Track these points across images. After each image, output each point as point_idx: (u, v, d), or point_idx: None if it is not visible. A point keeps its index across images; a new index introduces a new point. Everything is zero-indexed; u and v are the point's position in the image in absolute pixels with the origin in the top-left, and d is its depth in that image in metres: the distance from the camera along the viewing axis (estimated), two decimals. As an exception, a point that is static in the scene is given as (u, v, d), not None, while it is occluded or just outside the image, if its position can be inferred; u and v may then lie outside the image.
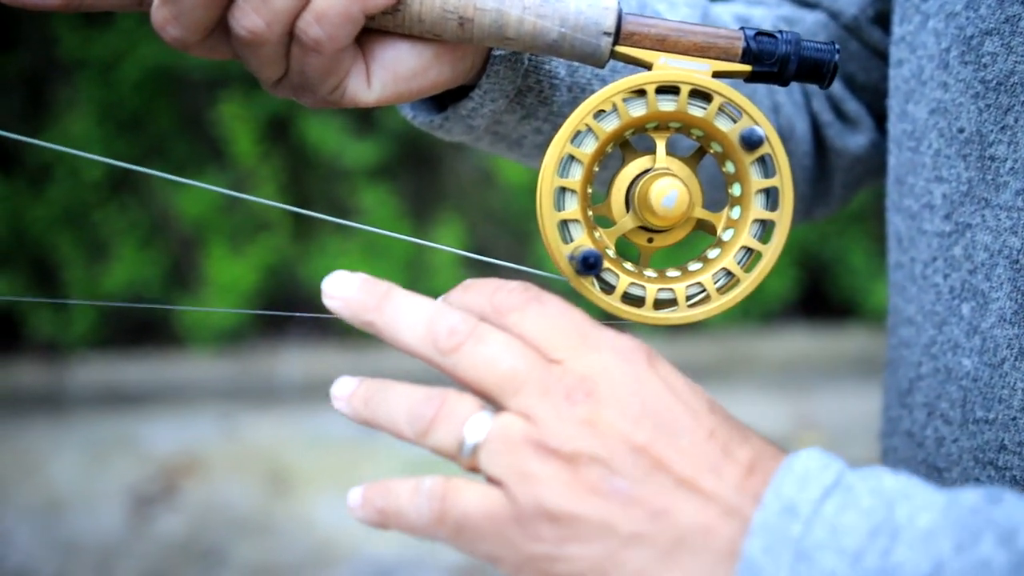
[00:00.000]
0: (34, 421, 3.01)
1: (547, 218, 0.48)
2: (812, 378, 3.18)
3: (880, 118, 0.75)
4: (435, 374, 0.43)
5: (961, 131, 0.56)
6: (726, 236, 0.49)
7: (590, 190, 0.50)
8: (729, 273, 0.49)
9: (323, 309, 0.47)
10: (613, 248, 0.51)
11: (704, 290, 0.49)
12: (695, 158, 0.50)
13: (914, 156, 0.61)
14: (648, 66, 0.49)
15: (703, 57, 0.49)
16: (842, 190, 0.80)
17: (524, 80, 0.57)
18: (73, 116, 3.12)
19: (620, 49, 0.50)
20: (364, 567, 2.43)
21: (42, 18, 3.10)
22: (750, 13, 0.74)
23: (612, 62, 0.58)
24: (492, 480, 0.41)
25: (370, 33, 0.51)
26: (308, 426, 3.00)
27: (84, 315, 3.19)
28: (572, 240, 0.48)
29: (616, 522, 0.39)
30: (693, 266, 0.50)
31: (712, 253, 0.50)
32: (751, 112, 0.47)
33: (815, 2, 0.75)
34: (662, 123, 0.49)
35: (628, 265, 0.50)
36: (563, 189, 0.48)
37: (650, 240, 0.50)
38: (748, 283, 0.49)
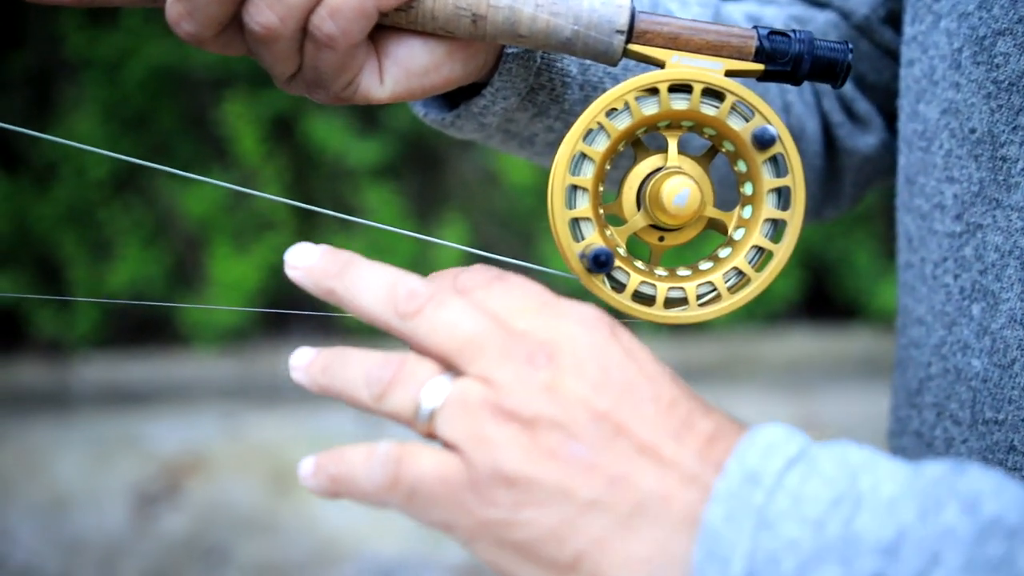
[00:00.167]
0: (38, 420, 3.02)
1: (558, 216, 0.48)
2: (816, 379, 3.17)
3: (891, 118, 0.75)
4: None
5: (973, 131, 0.55)
6: (737, 235, 0.49)
7: (602, 188, 0.50)
8: (740, 272, 0.49)
9: (326, 308, 0.47)
10: (624, 246, 0.51)
11: (715, 289, 0.49)
12: (707, 157, 0.50)
13: (925, 156, 0.61)
14: (661, 64, 0.49)
15: (716, 56, 0.49)
16: (852, 190, 0.80)
17: (536, 78, 0.57)
18: (78, 115, 3.12)
19: (633, 47, 0.50)
20: (367, 566, 2.43)
21: (48, 17, 3.10)
22: (761, 12, 0.74)
23: (624, 61, 0.58)
24: (448, 445, 0.40)
25: (383, 30, 0.51)
26: (312, 425, 2.99)
27: (88, 314, 3.19)
28: (583, 238, 0.48)
29: (574, 487, 0.38)
30: (704, 265, 0.50)
31: (723, 252, 0.50)
32: (763, 111, 0.47)
33: (826, 1, 0.75)
34: (674, 122, 0.49)
35: (639, 264, 0.50)
36: (575, 187, 0.48)
37: (661, 239, 0.50)
38: (759, 282, 0.49)
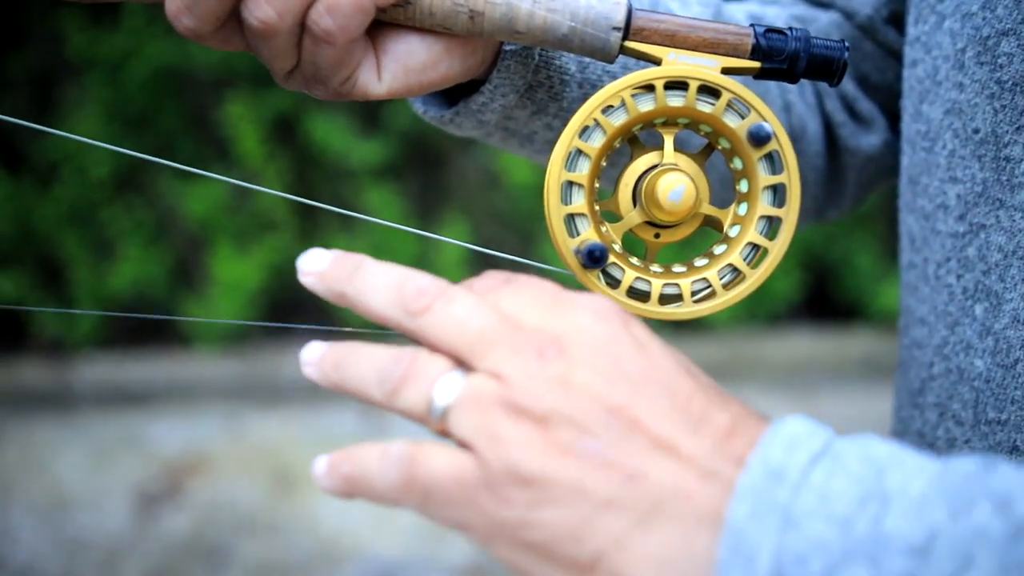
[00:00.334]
0: (40, 420, 3.02)
1: (554, 212, 0.48)
2: (818, 380, 3.17)
3: (893, 118, 0.75)
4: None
5: (976, 132, 0.55)
6: (733, 232, 0.50)
7: (598, 185, 0.50)
8: (735, 269, 0.49)
9: (326, 308, 0.46)
10: (620, 243, 0.51)
11: (710, 286, 0.49)
12: (703, 154, 0.50)
13: (928, 156, 0.61)
14: (657, 62, 0.49)
15: (713, 53, 0.49)
16: (855, 190, 0.80)
17: (535, 75, 0.57)
18: (81, 115, 3.13)
19: (630, 44, 0.50)
20: (368, 566, 2.43)
21: (50, 17, 3.11)
22: (764, 12, 0.74)
23: (624, 60, 0.58)
24: (462, 443, 0.40)
25: (381, 26, 0.51)
26: (314, 426, 3.00)
27: (89, 314, 3.19)
28: (578, 234, 0.49)
29: (589, 485, 0.38)
30: (699, 262, 0.50)
31: (718, 249, 0.50)
32: (759, 108, 0.47)
33: (829, 2, 0.75)
34: (670, 119, 0.49)
35: (634, 260, 0.50)
36: (570, 183, 0.48)
37: (657, 236, 0.50)
38: (754, 279, 0.49)
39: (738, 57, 0.49)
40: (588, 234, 0.48)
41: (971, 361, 0.56)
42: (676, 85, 0.48)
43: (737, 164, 0.49)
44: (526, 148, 0.65)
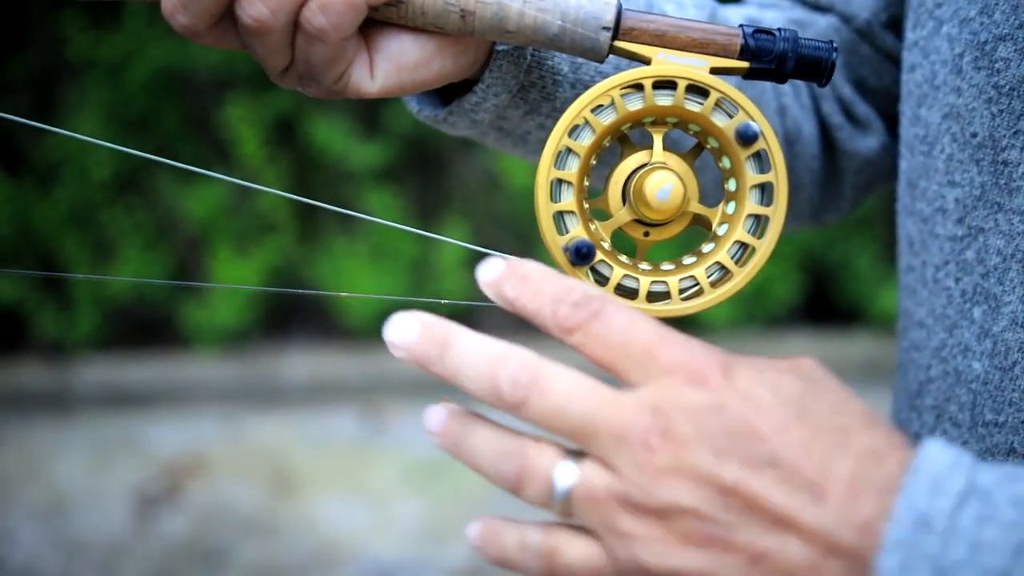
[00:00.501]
0: (39, 421, 3.02)
1: (543, 209, 0.48)
2: (817, 383, 3.17)
3: (891, 121, 0.75)
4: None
5: (974, 136, 0.56)
6: (721, 231, 0.50)
7: (587, 182, 0.50)
8: (723, 267, 0.49)
9: (327, 310, 0.46)
10: (609, 241, 0.51)
11: (697, 283, 0.49)
12: (693, 153, 0.51)
13: (927, 160, 0.61)
14: (647, 61, 0.50)
15: (702, 53, 0.49)
16: (852, 193, 0.80)
17: (527, 75, 0.58)
18: (81, 117, 3.13)
19: (619, 44, 0.50)
20: (367, 568, 2.43)
21: (51, 19, 3.12)
22: (761, 16, 0.74)
23: (616, 60, 0.58)
24: (588, 530, 0.40)
25: (374, 24, 0.52)
26: (312, 427, 3.00)
27: (89, 316, 3.19)
28: (567, 231, 0.49)
29: (716, 572, 0.38)
30: (687, 260, 0.50)
31: (707, 247, 0.50)
32: (747, 108, 0.48)
33: (827, 6, 0.75)
34: (659, 118, 0.49)
35: (623, 258, 0.50)
36: (559, 181, 0.49)
37: (646, 234, 0.51)
38: (741, 277, 0.49)
39: (727, 57, 0.49)
40: (577, 231, 0.49)
41: (969, 364, 0.56)
42: (665, 84, 0.49)
43: (725, 163, 0.49)
44: (520, 148, 0.65)
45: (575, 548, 0.40)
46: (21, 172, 3.18)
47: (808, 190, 0.77)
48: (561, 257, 0.48)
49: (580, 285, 0.41)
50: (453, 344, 0.42)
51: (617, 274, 0.49)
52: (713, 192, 0.57)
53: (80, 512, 2.63)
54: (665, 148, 0.49)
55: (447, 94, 0.61)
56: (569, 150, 0.48)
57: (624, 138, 0.51)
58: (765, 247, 0.49)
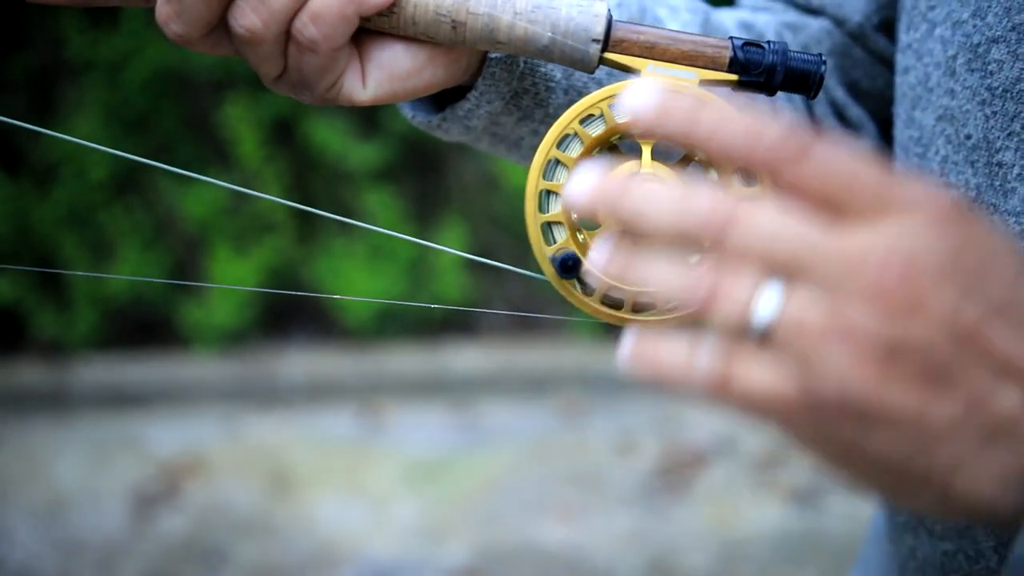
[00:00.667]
0: (37, 421, 3.02)
1: (531, 219, 0.49)
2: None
3: (883, 124, 0.75)
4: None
5: (968, 137, 0.56)
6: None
7: None
8: None
9: (325, 310, 0.46)
10: None
11: None
12: (682, 164, 0.51)
13: (921, 162, 0.61)
14: (637, 73, 0.50)
15: (691, 65, 0.49)
16: None
17: (520, 82, 0.58)
18: (80, 117, 3.14)
19: (609, 56, 0.51)
20: (366, 568, 2.43)
21: (50, 19, 3.12)
22: (754, 19, 0.74)
23: (610, 68, 0.58)
24: (785, 362, 0.36)
25: (366, 34, 0.52)
26: (311, 427, 3.00)
27: (87, 315, 3.20)
28: (555, 241, 0.49)
29: (928, 415, 0.35)
30: None
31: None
32: None
33: (820, 9, 0.75)
34: (647, 129, 0.49)
35: None
36: (548, 192, 0.49)
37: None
38: None
39: (716, 69, 0.50)
40: (564, 242, 0.49)
41: None
42: None
43: (713, 176, 0.49)
44: (513, 153, 0.65)
45: (759, 373, 0.36)
46: (20, 172, 3.18)
47: None
48: (548, 267, 0.49)
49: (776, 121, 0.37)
50: (632, 190, 0.37)
51: (604, 284, 0.49)
52: None
53: (78, 512, 2.63)
54: (654, 158, 0.50)
55: (441, 100, 0.61)
56: (558, 161, 0.49)
57: (613, 147, 0.51)
58: None
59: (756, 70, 0.50)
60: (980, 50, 0.55)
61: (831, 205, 0.36)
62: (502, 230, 3.34)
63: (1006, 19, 0.53)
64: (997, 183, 0.54)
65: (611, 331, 0.44)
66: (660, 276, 0.37)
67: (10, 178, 3.16)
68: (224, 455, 2.86)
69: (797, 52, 0.50)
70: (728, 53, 0.50)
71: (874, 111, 0.76)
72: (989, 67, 0.54)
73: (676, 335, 0.37)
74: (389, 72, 0.53)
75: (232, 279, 3.15)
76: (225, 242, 3.21)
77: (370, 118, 3.22)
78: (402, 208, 3.28)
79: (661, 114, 0.37)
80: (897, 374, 0.35)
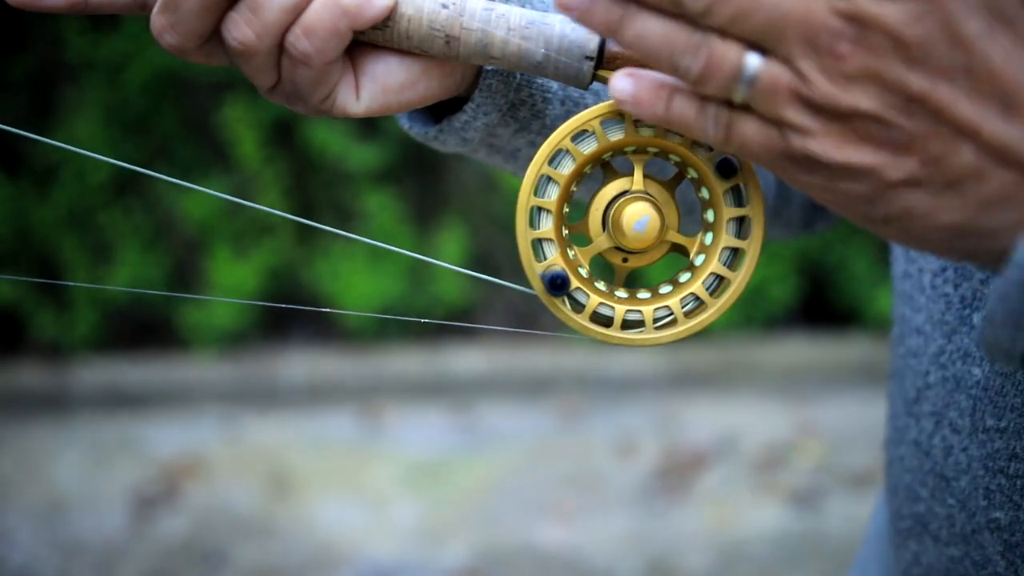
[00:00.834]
0: (37, 422, 3.03)
1: (521, 236, 0.49)
2: (814, 385, 3.18)
3: None
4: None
5: None
6: (698, 261, 0.50)
7: (567, 209, 0.51)
8: (697, 298, 0.49)
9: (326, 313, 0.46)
10: (587, 267, 0.51)
11: (671, 313, 0.50)
12: (674, 182, 0.51)
13: None
14: None
15: None
16: None
17: (517, 94, 0.58)
18: (79, 118, 3.14)
19: (603, 73, 0.51)
20: (365, 569, 2.43)
21: (50, 21, 3.12)
22: None
23: None
24: (767, 120, 0.41)
25: (360, 46, 0.52)
26: (310, 429, 3.00)
27: (87, 317, 3.20)
28: (545, 258, 0.49)
29: (886, 170, 0.39)
30: (664, 289, 0.51)
31: (683, 277, 0.50)
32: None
33: None
34: (640, 147, 0.49)
35: (600, 284, 0.51)
36: (539, 208, 0.49)
37: (625, 260, 0.51)
38: (714, 309, 0.49)
39: None
40: (554, 259, 0.49)
41: (969, 369, 0.56)
42: None
43: (704, 194, 0.49)
44: (510, 164, 0.65)
45: (753, 126, 0.41)
46: (19, 174, 3.18)
47: (798, 201, 0.78)
48: (538, 284, 0.49)
49: None
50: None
51: (593, 302, 0.49)
52: (685, 218, 0.56)
53: (78, 513, 2.63)
54: (647, 175, 0.50)
55: (438, 110, 0.61)
56: (549, 178, 0.49)
57: (607, 164, 0.51)
58: (739, 280, 0.49)
59: None
60: None
61: None
62: (501, 232, 3.34)
63: None
64: None
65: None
66: (654, 39, 0.41)
67: (10, 180, 3.17)
68: (224, 456, 2.87)
69: None
70: None
71: None
72: None
73: (676, 88, 0.42)
74: (383, 85, 0.53)
75: (232, 281, 3.15)
76: (225, 244, 3.22)
77: (369, 120, 3.22)
78: (402, 210, 3.28)
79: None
80: (854, 136, 0.39)
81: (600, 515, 2.61)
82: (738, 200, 0.48)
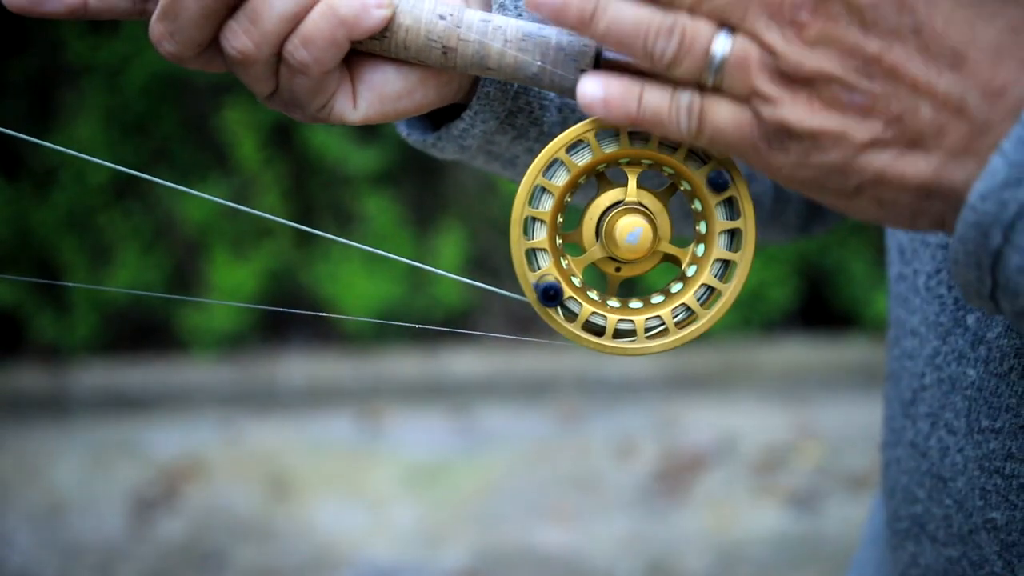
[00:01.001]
0: (36, 425, 3.03)
1: (515, 246, 0.49)
2: (812, 387, 3.18)
3: None
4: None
5: None
6: (690, 272, 0.50)
7: (561, 220, 0.51)
8: (688, 309, 0.50)
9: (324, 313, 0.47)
10: (580, 276, 0.52)
11: (663, 323, 0.50)
12: (667, 192, 0.51)
13: None
14: None
15: None
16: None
17: (514, 101, 0.58)
18: (79, 120, 3.14)
19: None
20: (363, 571, 2.44)
21: (49, 24, 3.12)
22: None
23: None
24: (738, 99, 0.43)
25: (358, 55, 0.53)
26: (309, 431, 3.01)
27: (87, 319, 3.20)
28: (539, 268, 0.50)
29: (854, 132, 0.41)
30: (656, 299, 0.51)
31: (675, 287, 0.51)
32: (719, 155, 0.48)
33: None
34: (634, 159, 0.50)
35: (592, 294, 0.51)
36: (533, 218, 0.50)
37: (618, 269, 0.51)
38: (705, 320, 0.50)
39: None
40: (548, 269, 0.49)
41: (963, 371, 0.56)
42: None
43: (697, 206, 0.50)
44: (508, 171, 0.66)
45: (725, 109, 0.43)
46: (19, 176, 3.18)
47: (795, 204, 0.78)
48: (531, 293, 0.49)
49: None
50: None
51: (586, 311, 0.50)
52: (679, 225, 0.57)
53: (77, 515, 2.64)
54: (640, 185, 0.50)
55: (436, 117, 0.62)
56: (544, 189, 0.49)
57: (601, 174, 0.51)
58: (730, 292, 0.49)
59: None
60: None
61: None
62: (500, 234, 3.34)
63: None
64: None
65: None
66: (627, 23, 0.43)
67: (9, 182, 3.17)
68: (223, 459, 2.87)
69: None
70: None
71: None
72: None
73: (644, 84, 0.45)
74: (380, 94, 0.54)
75: (231, 283, 3.15)
76: (224, 246, 3.22)
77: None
78: (400, 213, 3.28)
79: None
80: (821, 101, 0.41)
81: (599, 517, 2.62)
82: (730, 213, 0.49)
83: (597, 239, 0.51)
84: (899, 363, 0.65)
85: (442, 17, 0.51)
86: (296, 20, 0.50)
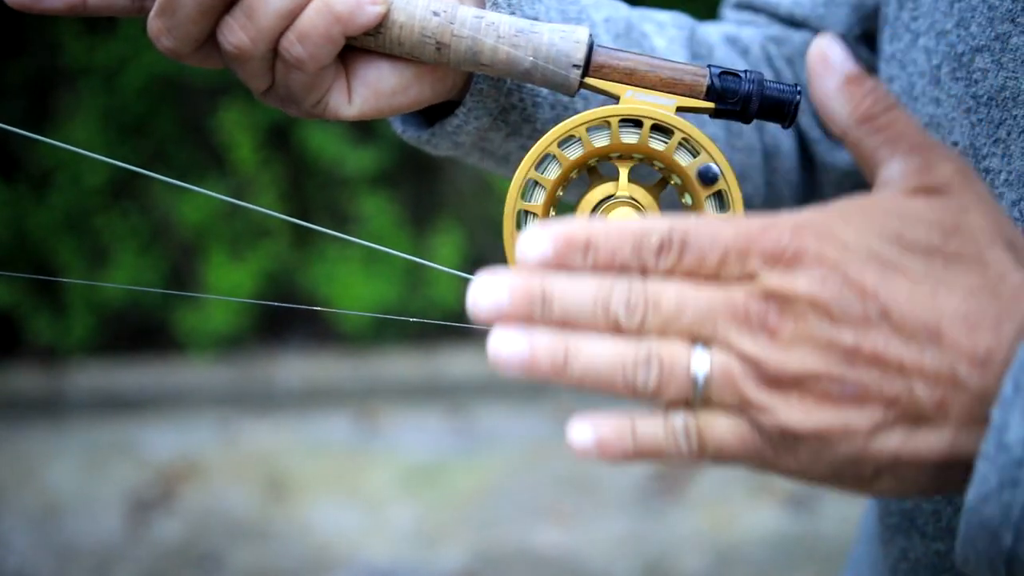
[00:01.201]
0: (32, 426, 3.03)
1: (508, 239, 0.50)
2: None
3: None
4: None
5: (955, 145, 0.57)
6: None
7: (553, 213, 0.51)
8: None
9: (320, 314, 0.47)
10: None
11: None
12: (659, 186, 0.52)
13: None
14: (616, 98, 0.51)
15: (669, 92, 0.50)
16: None
17: (507, 98, 0.59)
18: (76, 122, 3.14)
19: (589, 81, 0.52)
20: (360, 572, 2.44)
21: (46, 24, 3.12)
22: (739, 33, 0.75)
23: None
24: (732, 410, 0.41)
25: (353, 51, 0.54)
26: (306, 432, 3.01)
27: (83, 320, 3.20)
28: None
29: (856, 423, 0.40)
30: None
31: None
32: (709, 149, 0.49)
33: (803, 22, 0.76)
34: (625, 153, 0.50)
35: None
36: (526, 212, 0.50)
37: None
38: None
39: (694, 97, 0.50)
40: None
41: None
42: (631, 122, 0.50)
43: (687, 200, 0.50)
44: (502, 168, 0.66)
45: (722, 425, 0.41)
46: (16, 178, 3.18)
47: (788, 204, 0.79)
48: None
49: (647, 226, 0.41)
50: (552, 289, 0.41)
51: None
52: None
53: (73, 517, 2.64)
54: (632, 180, 0.51)
55: (430, 113, 0.62)
56: (536, 183, 0.50)
57: (592, 168, 0.52)
58: None
59: (732, 99, 0.51)
60: (964, 59, 0.56)
61: (711, 274, 0.41)
62: (497, 234, 3.34)
63: (989, 28, 0.54)
64: None
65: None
66: (602, 364, 0.42)
67: (6, 183, 3.17)
68: (220, 460, 2.87)
69: (773, 82, 0.51)
70: (706, 81, 0.51)
71: None
72: (974, 76, 0.55)
73: (634, 417, 0.43)
74: (375, 89, 0.54)
75: (228, 284, 3.15)
76: (221, 247, 3.22)
77: (365, 123, 3.21)
78: (398, 213, 3.28)
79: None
80: (814, 397, 0.40)
81: (597, 517, 2.62)
82: (720, 206, 0.49)
83: None
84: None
85: (436, 13, 0.51)
86: (292, 16, 0.51)
